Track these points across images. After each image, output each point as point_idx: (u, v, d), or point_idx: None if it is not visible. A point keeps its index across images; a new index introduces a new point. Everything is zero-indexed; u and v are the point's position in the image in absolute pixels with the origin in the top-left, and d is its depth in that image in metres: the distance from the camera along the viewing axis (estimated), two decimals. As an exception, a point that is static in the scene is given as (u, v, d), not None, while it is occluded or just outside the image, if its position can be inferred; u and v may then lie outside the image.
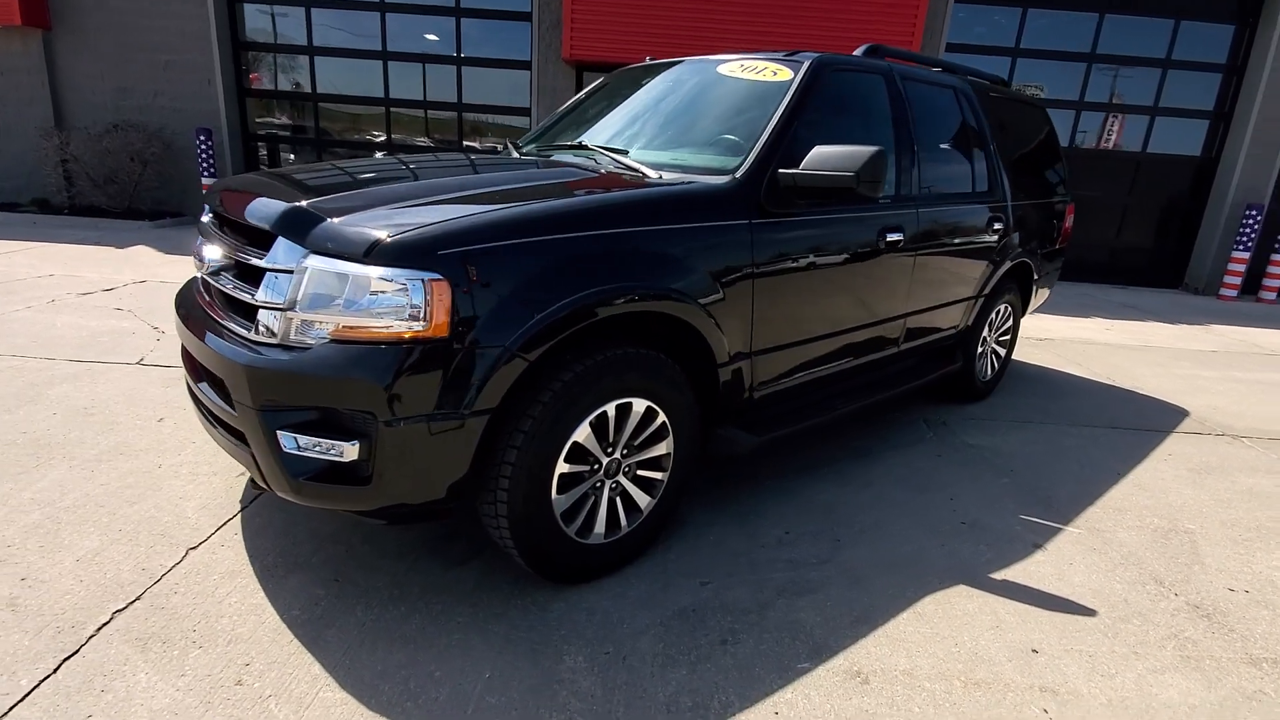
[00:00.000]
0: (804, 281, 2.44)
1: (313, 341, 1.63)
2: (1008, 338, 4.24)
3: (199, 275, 2.05)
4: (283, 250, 1.66)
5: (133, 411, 3.10)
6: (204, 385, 1.95)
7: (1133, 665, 1.91)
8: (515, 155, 2.79)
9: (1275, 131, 8.98)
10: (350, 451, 1.60)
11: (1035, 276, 4.20)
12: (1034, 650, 1.94)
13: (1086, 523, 2.71)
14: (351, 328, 1.59)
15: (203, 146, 8.55)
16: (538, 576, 2.04)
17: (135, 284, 5.60)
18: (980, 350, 3.90)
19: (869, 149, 2.14)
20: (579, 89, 8.91)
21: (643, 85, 2.95)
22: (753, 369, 2.36)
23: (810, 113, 2.47)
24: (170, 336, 4.24)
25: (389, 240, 1.58)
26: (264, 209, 1.78)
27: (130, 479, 2.51)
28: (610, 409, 1.93)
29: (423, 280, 1.57)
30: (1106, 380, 4.85)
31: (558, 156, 2.59)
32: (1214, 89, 9.35)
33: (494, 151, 3.16)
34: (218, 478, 2.57)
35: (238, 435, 1.77)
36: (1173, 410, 4.24)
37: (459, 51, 9.03)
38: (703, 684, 1.73)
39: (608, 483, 2.04)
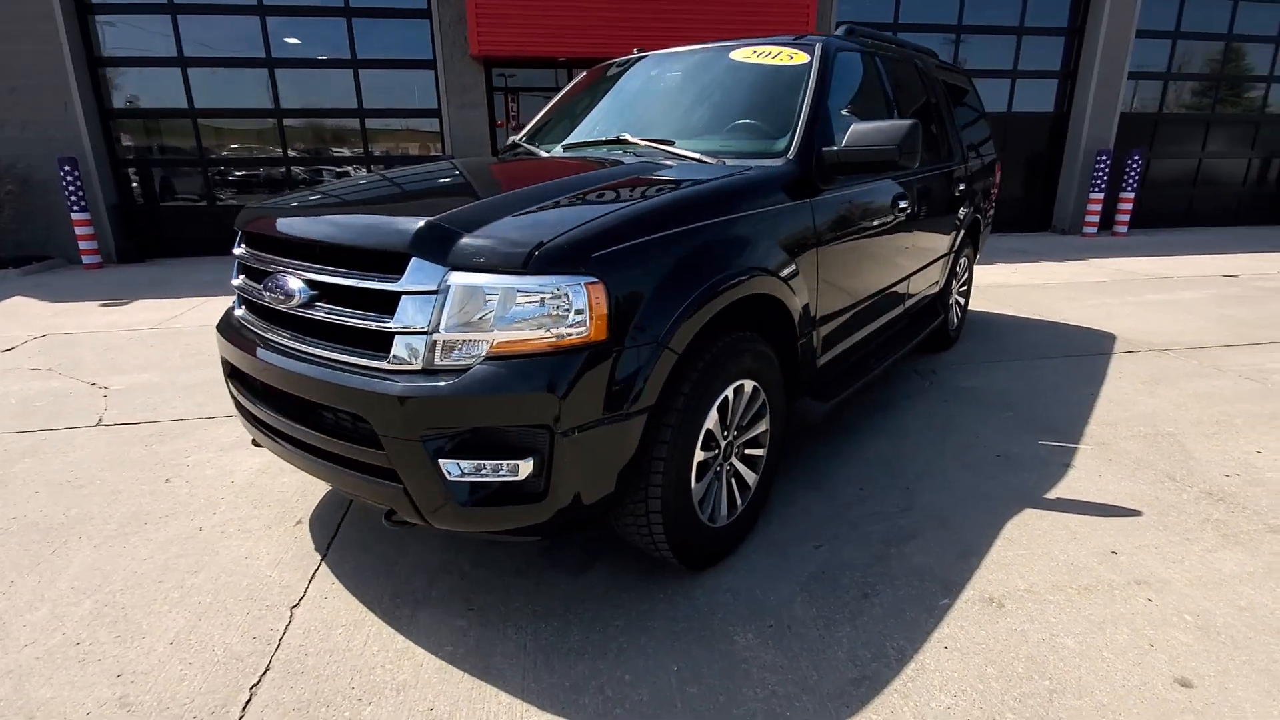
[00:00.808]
0: (849, 251, 2.58)
1: (467, 362, 1.56)
2: (965, 289, 4.64)
3: (276, 308, 1.87)
4: (419, 271, 1.57)
5: (128, 476, 2.77)
6: (278, 417, 1.83)
7: (1191, 549, 2.21)
8: (544, 154, 2.73)
9: (1114, 84, 10.27)
10: (524, 468, 1.55)
11: (982, 230, 4.62)
12: (1113, 552, 2.20)
13: (1092, 439, 3.06)
14: (511, 342, 1.54)
15: (68, 178, 7.55)
16: (674, 569, 2.08)
17: (37, 339, 4.92)
18: (950, 302, 4.25)
19: (906, 122, 2.29)
20: (490, 86, 8.68)
21: (648, 76, 2.96)
22: (819, 338, 2.48)
23: (830, 92, 2.60)
24: (118, 391, 3.78)
25: (544, 248, 1.53)
26: (382, 230, 1.66)
27: (175, 548, 2.26)
28: (730, 393, 1.98)
29: (581, 284, 1.54)
30: (1037, 316, 5.42)
31: (606, 153, 2.56)
32: (1059, 51, 10.54)
33: (510, 153, 3.05)
34: (274, 530, 2.37)
35: (377, 472, 1.66)
36: (1102, 335, 4.83)
37: (354, 53, 8.51)
38: (870, 635, 1.83)
39: (725, 465, 2.09)
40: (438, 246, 1.57)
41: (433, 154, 9.09)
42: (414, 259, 1.57)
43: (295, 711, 1.60)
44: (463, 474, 1.57)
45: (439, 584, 2.07)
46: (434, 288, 1.56)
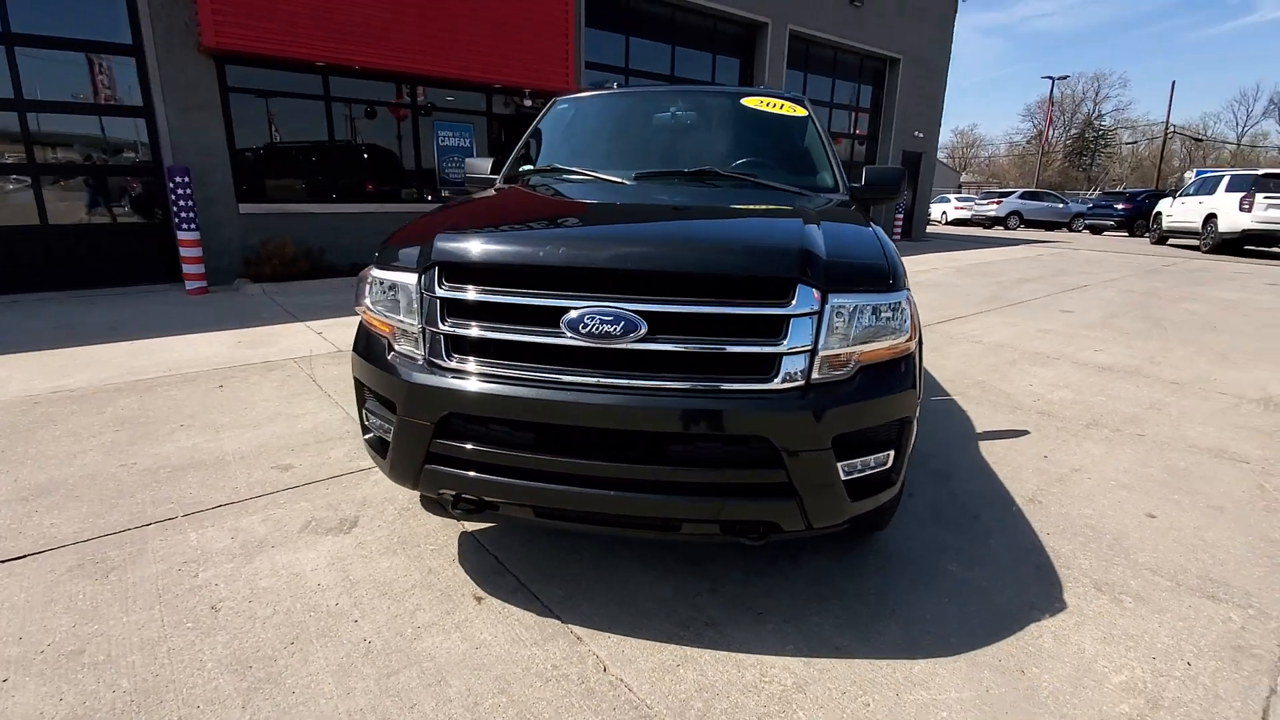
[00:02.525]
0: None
1: (843, 374, 1.75)
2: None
3: (593, 346, 1.70)
4: (805, 295, 1.69)
5: (141, 619, 1.94)
6: (587, 461, 1.72)
7: (1069, 445, 3.46)
8: (626, 182, 2.75)
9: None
10: (890, 457, 1.82)
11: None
12: (1045, 456, 3.31)
13: (952, 391, 4.32)
14: (875, 351, 1.79)
15: None
16: (842, 541, 2.47)
17: None
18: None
19: (898, 166, 3.07)
20: (225, 86, 7.19)
21: (670, 114, 3.21)
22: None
23: (822, 138, 3.26)
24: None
25: (893, 269, 1.83)
26: (770, 259, 1.74)
27: (368, 669, 1.77)
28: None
29: (908, 297, 1.88)
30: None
31: (679, 182, 2.74)
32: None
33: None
34: (460, 613, 2.01)
35: (757, 491, 1.71)
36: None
37: (6, 26, 6.13)
38: (1008, 541, 2.52)
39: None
40: (815, 271, 1.73)
41: (135, 162, 7.04)
42: (800, 285, 1.70)
43: (745, 745, 1.58)
44: (851, 474, 1.76)
45: (704, 605, 2.09)
46: (815, 309, 1.71)
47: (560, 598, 2.11)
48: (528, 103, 9.20)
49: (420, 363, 1.85)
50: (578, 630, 1.96)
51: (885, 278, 1.81)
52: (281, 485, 2.79)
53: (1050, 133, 59.62)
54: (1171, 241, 17.72)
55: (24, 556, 2.25)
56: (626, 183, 2.75)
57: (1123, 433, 3.65)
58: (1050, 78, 34.17)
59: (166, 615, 1.97)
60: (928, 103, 16.73)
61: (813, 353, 1.71)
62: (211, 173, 7.09)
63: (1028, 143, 61.74)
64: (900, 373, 1.83)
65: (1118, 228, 22.88)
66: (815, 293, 1.72)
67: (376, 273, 2.01)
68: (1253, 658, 1.91)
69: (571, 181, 2.79)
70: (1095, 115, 60.28)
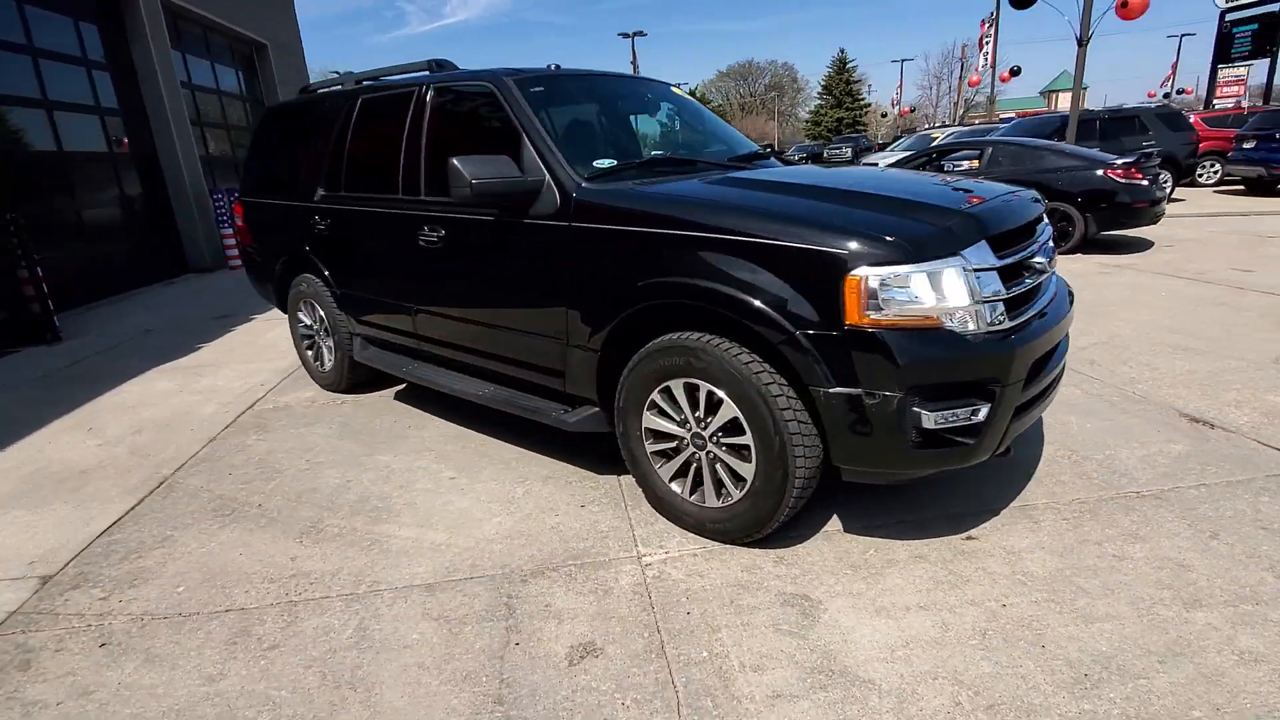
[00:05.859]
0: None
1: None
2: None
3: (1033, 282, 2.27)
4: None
5: None
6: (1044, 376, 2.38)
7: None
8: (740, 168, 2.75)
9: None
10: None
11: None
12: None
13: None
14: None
15: None
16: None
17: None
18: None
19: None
20: None
21: (646, 101, 3.17)
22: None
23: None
24: None
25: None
26: (1032, 209, 2.53)
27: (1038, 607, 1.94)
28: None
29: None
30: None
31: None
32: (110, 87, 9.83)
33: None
34: (969, 549, 2.23)
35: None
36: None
37: None
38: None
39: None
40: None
41: None
42: (1044, 223, 2.66)
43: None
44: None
45: (948, 502, 2.88)
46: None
47: (953, 518, 2.59)
48: None
49: (990, 332, 2.01)
50: (973, 534, 2.51)
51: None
52: (636, 630, 1.87)
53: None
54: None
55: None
56: (749, 169, 2.90)
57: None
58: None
59: None
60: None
61: (1048, 269, 2.78)
62: None
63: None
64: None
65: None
66: (1039, 226, 2.77)
67: (900, 270, 1.92)
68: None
69: (714, 169, 2.72)
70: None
